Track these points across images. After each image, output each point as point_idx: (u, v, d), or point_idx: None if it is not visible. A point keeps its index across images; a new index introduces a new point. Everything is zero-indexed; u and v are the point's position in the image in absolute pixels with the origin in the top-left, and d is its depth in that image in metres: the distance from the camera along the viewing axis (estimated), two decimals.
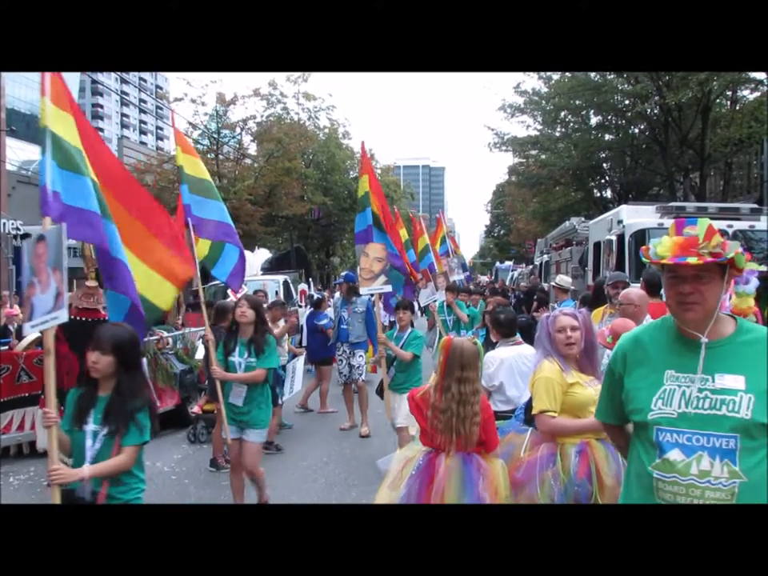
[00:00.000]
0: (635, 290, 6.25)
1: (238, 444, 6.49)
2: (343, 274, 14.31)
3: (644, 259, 2.60)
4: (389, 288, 8.72)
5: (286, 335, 11.03)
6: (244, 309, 6.47)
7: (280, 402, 9.67)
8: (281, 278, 19.59)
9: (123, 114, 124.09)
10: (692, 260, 2.41)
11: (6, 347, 10.23)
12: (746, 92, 26.09)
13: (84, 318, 7.91)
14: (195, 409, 10.04)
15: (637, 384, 2.62)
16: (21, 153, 40.20)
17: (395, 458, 4.90)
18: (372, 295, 9.33)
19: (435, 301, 11.96)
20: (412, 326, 8.48)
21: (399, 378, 8.11)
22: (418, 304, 13.81)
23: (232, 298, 13.32)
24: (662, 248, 2.50)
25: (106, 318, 8.25)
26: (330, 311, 12.88)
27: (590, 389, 4.31)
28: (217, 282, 22.09)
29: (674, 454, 2.46)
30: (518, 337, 6.17)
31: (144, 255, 5.72)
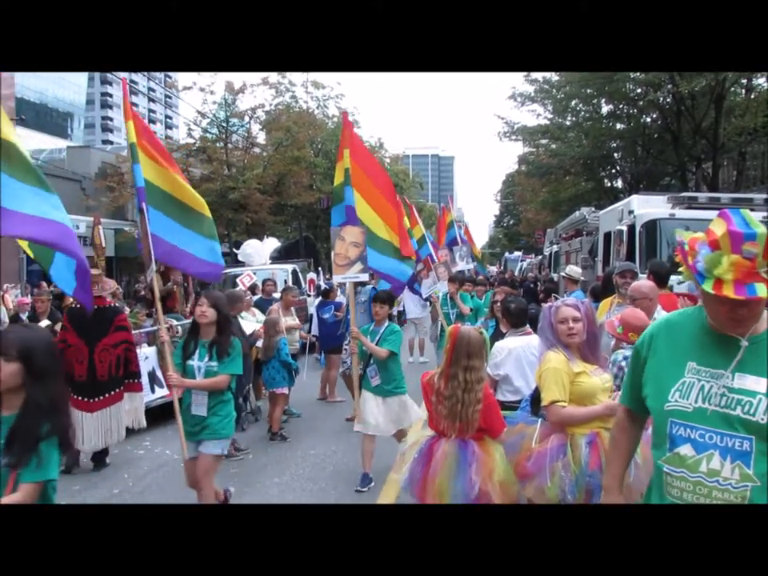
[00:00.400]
0: (646, 283, 6.21)
1: (193, 464, 5.79)
2: None
3: (703, 285, 2.30)
4: (365, 276, 8.04)
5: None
6: (204, 308, 5.70)
7: (287, 391, 9.67)
8: (289, 266, 19.63)
9: (132, 103, 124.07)
10: (763, 293, 2.22)
11: None
12: (761, 80, 25.80)
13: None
14: None
15: (657, 370, 2.54)
16: (31, 141, 40.27)
17: (404, 443, 5.03)
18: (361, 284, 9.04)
19: (437, 292, 11.44)
20: (390, 319, 7.85)
21: (380, 378, 7.37)
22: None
23: (241, 286, 13.36)
24: (721, 269, 2.26)
25: (111, 304, 8.29)
26: (342, 299, 12.86)
27: (595, 378, 4.33)
28: (227, 270, 22.18)
29: (685, 449, 2.39)
30: (528, 327, 6.15)
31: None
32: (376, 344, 7.33)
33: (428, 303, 13.43)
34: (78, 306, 8.08)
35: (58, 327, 8.81)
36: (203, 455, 5.70)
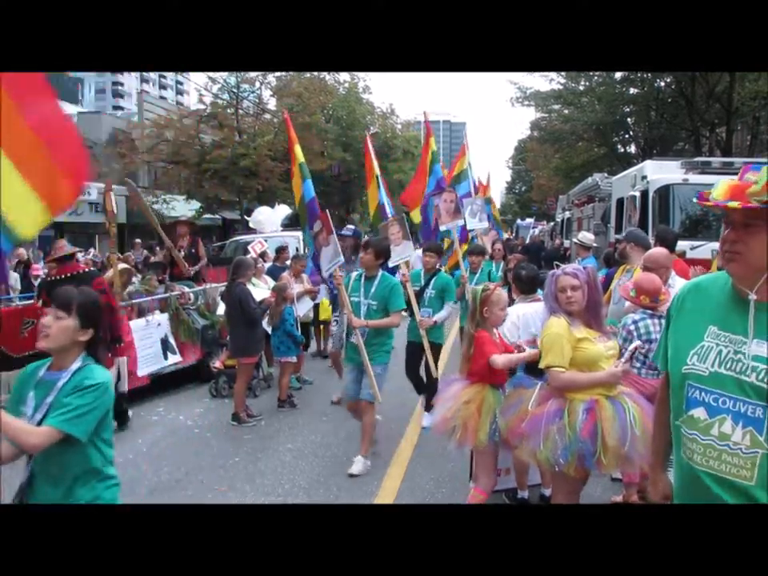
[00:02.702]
0: (658, 251, 6.22)
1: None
2: (350, 227, 12.97)
3: (695, 200, 2.42)
4: None
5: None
6: None
7: (293, 359, 9.61)
8: (300, 234, 19.60)
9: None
10: (732, 204, 2.21)
11: (30, 302, 10.35)
12: None
13: (62, 276, 7.86)
14: (217, 364, 10.14)
15: (679, 331, 2.53)
16: None
17: None
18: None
19: (407, 261, 8.72)
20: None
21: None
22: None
23: (252, 254, 13.38)
24: (717, 191, 2.31)
25: (85, 270, 8.25)
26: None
27: (599, 344, 4.37)
28: (238, 237, 22.18)
29: (699, 412, 2.37)
30: (538, 294, 6.15)
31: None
32: None
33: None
34: (52, 278, 8.03)
35: None
36: None
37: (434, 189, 10.41)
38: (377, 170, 9.78)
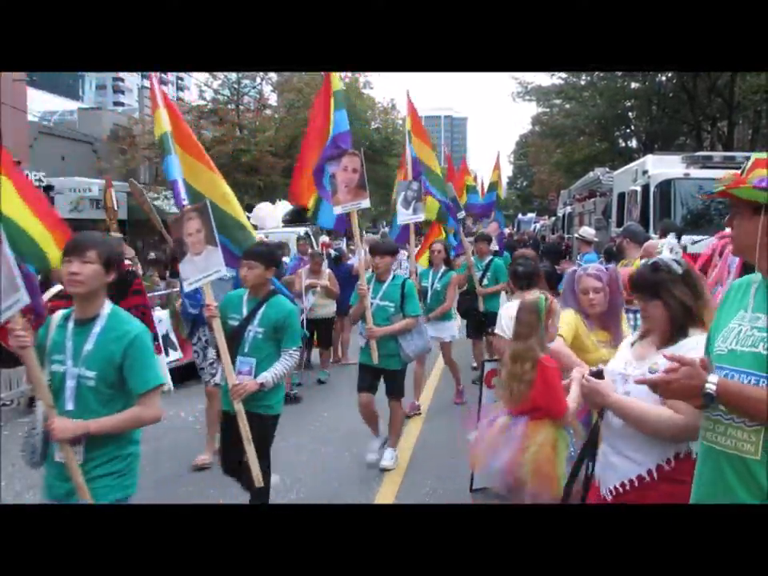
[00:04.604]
0: (657, 241, 6.22)
1: None
2: None
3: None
4: None
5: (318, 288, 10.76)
6: None
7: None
8: (302, 229, 19.60)
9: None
10: (719, 190, 2.44)
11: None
12: None
13: None
14: None
15: (715, 324, 2.59)
16: (42, 103, 40.14)
17: None
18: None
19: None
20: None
21: None
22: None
23: None
24: (724, 180, 2.50)
25: (129, 269, 8.36)
26: (353, 260, 12.77)
27: (602, 350, 4.33)
28: None
29: None
30: (535, 290, 6.14)
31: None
32: None
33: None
34: None
35: None
36: None
37: (330, 149, 6.94)
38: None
